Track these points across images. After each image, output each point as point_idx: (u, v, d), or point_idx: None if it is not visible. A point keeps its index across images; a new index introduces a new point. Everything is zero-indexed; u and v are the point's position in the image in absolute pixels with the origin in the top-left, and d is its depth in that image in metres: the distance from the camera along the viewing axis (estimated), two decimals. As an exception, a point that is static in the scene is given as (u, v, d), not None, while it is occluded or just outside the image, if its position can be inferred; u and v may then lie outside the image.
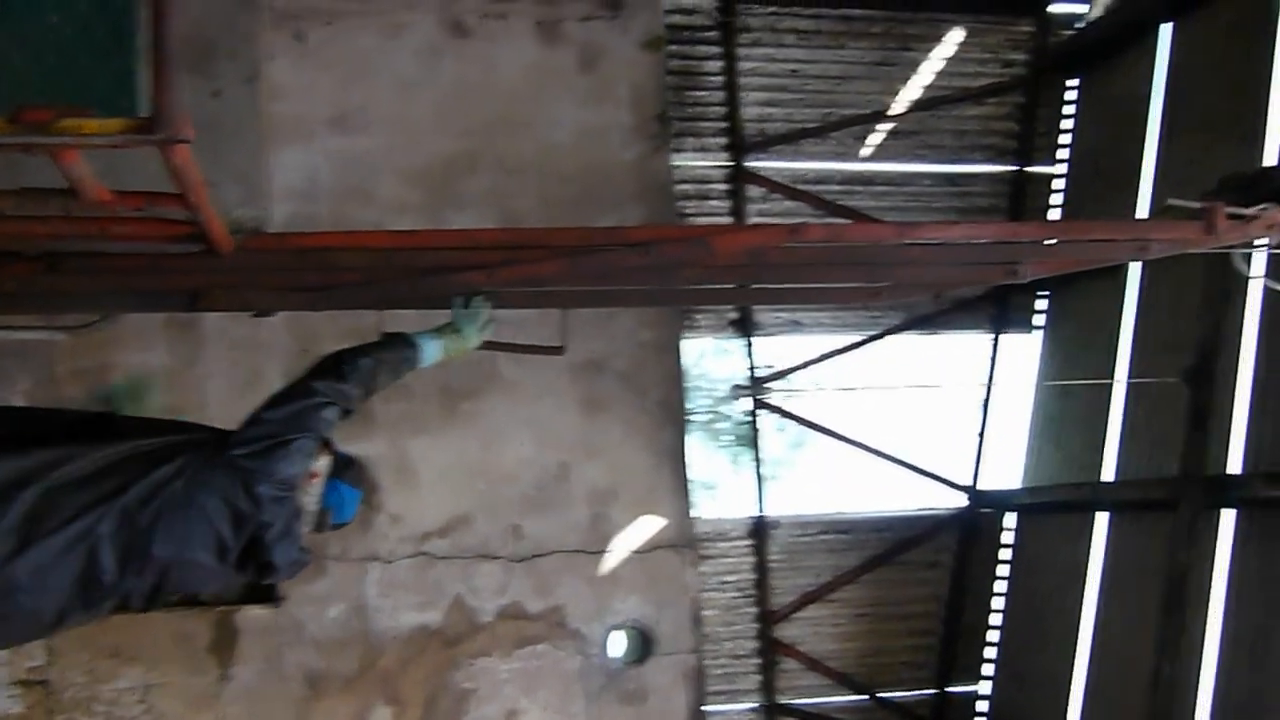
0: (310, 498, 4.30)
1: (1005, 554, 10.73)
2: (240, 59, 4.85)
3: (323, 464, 4.40)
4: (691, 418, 10.31)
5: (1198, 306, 8.46)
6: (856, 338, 10.68)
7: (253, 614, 8.79)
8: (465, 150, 9.38)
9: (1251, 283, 7.90)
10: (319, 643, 8.89)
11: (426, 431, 9.21)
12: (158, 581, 3.95)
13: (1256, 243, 5.40)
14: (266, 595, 8.76)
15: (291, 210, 8.81)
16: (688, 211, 10.33)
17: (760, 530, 10.45)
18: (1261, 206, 5.18)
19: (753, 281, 5.55)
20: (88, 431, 4.11)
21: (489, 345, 5.16)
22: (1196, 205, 5.28)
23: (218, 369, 8.75)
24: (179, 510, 3.91)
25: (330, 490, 4.42)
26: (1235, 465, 8.11)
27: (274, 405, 4.20)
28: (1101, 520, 9.44)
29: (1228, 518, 8.07)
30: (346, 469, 4.50)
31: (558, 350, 5.54)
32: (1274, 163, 8.22)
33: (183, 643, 8.63)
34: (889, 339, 10.72)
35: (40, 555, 3.67)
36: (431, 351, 4.78)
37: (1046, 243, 5.43)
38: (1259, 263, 6.05)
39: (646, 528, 9.74)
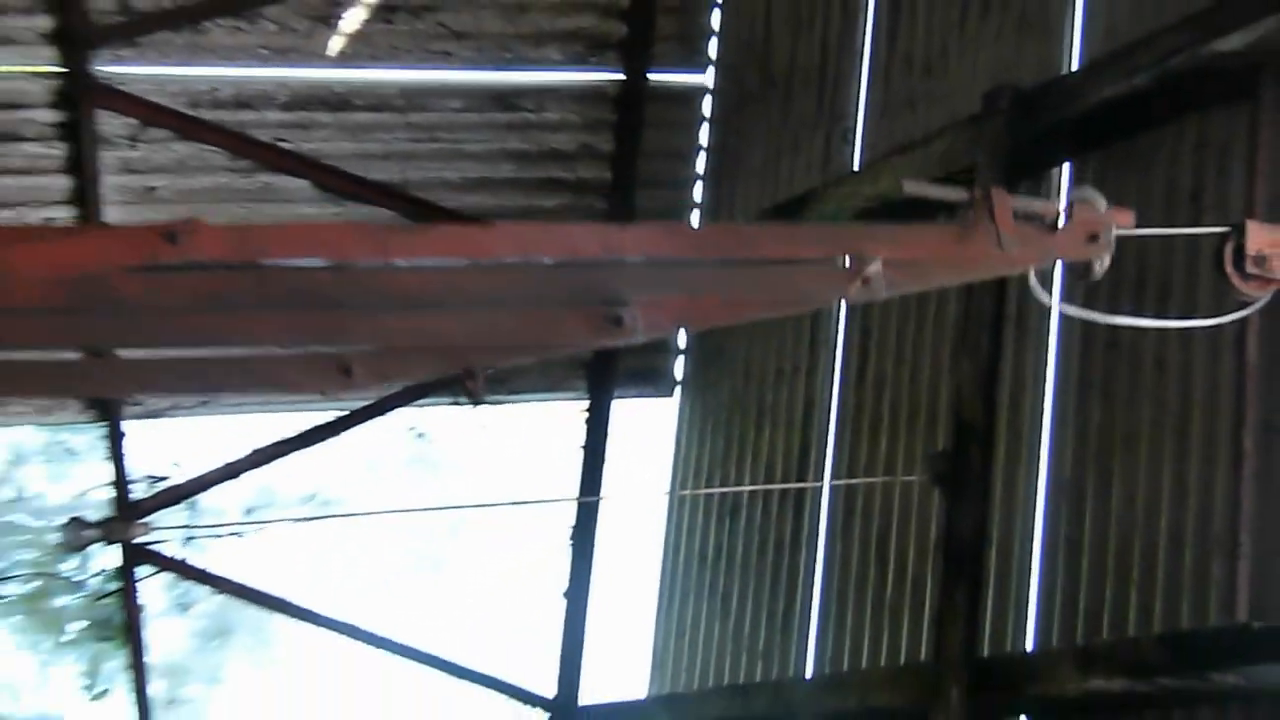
0: None
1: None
2: None
3: None
4: (-3, 590, 10.08)
5: (954, 339, 8.95)
6: (324, 416, 10.75)
7: None
8: None
9: (1050, 312, 8.52)
10: None
11: None
12: None
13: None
14: None
15: None
16: None
17: None
18: (1070, 195, 5.38)
19: (98, 339, 5.51)
20: None
21: None
22: (957, 195, 5.35)
23: None
24: None
25: None
26: (1028, 638, 8.57)
27: None
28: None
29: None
30: None
31: None
32: (1077, 67, 8.84)
33: None
34: (392, 414, 10.90)
35: None
36: None
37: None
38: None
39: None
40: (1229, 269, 5.82)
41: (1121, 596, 7.92)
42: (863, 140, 10.16)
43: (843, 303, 9.96)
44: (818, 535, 9.99)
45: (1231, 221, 5.76)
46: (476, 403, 6.07)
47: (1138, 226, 7.65)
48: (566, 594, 11.18)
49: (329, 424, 10.88)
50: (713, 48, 11.37)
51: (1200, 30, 7.71)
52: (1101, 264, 5.34)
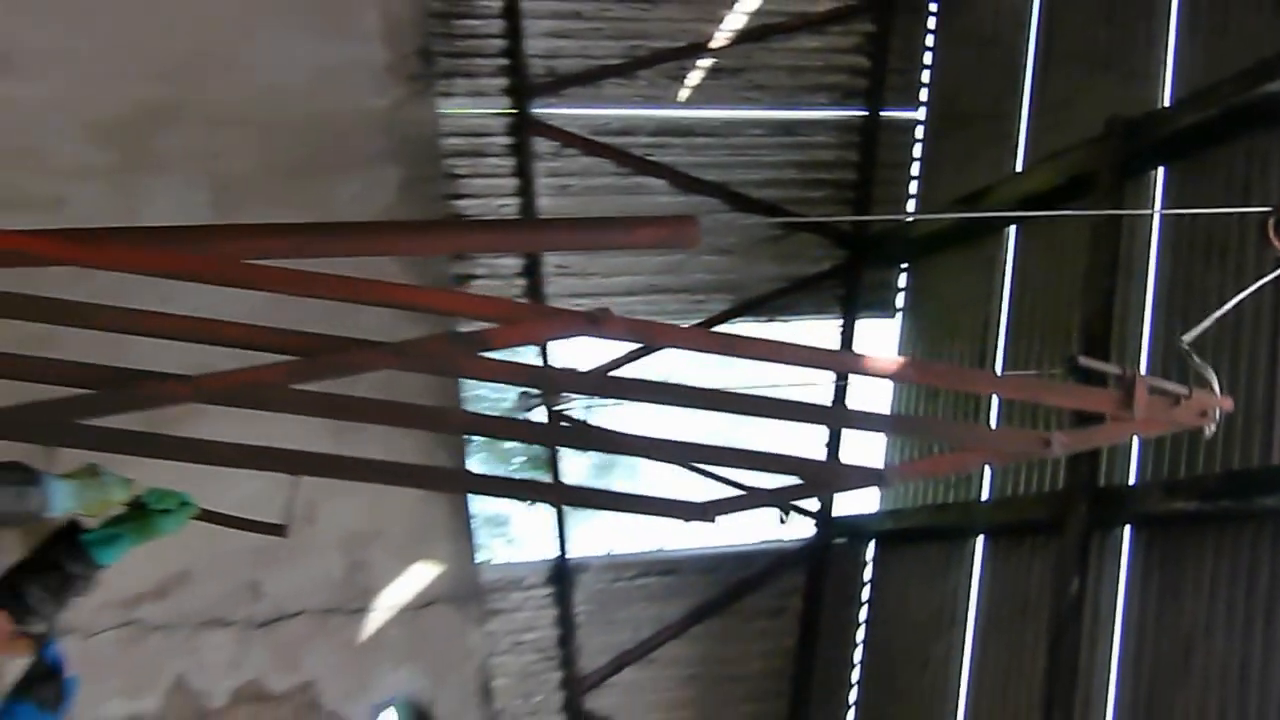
0: None
1: (865, 593, 11.02)
2: None
3: (15, 668, 4.36)
4: (472, 436, 10.14)
5: (1084, 280, 8.89)
6: (677, 325, 10.68)
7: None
8: (164, 97, 9.18)
9: (1149, 251, 8.66)
10: (-5, 746, 8.65)
11: (123, 461, 8.94)
12: None
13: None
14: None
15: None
16: (460, 172, 10.33)
17: (563, 576, 10.49)
18: (1195, 369, 5.38)
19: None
20: None
21: (204, 516, 5.22)
22: (1113, 370, 5.46)
23: None
24: None
25: (8, 713, 4.30)
26: (1131, 474, 8.52)
27: None
28: (978, 547, 9.86)
29: (1124, 538, 8.53)
30: (45, 681, 4.39)
31: (279, 530, 5.57)
32: (1169, 104, 8.71)
33: None
34: (718, 327, 10.71)
35: None
36: (61, 497, 4.38)
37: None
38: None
39: (418, 578, 9.74)
40: (1272, 235, 5.92)
41: (1194, 446, 7.93)
42: (1021, 151, 10.04)
43: (1009, 259, 10.10)
44: (991, 404, 9.87)
45: (1273, 204, 5.93)
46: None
47: (1207, 207, 7.80)
48: (826, 445, 11.25)
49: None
50: (923, 94, 11.27)
51: (1252, 79, 7.71)
52: (1209, 430, 5.23)
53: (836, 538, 11.09)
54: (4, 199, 8.56)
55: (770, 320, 11.15)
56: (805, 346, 5.48)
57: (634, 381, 5.18)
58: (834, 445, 11.33)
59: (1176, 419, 5.13)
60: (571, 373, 4.99)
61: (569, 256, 10.54)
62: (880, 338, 11.42)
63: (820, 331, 11.38)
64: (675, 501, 5.58)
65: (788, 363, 5.09)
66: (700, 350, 4.94)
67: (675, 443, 5.55)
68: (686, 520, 7.49)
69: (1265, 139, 7.87)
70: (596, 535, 11.28)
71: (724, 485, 10.86)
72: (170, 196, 9.04)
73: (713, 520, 5.71)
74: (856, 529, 11.05)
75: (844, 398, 11.05)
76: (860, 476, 5.62)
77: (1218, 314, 5.83)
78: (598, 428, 6.41)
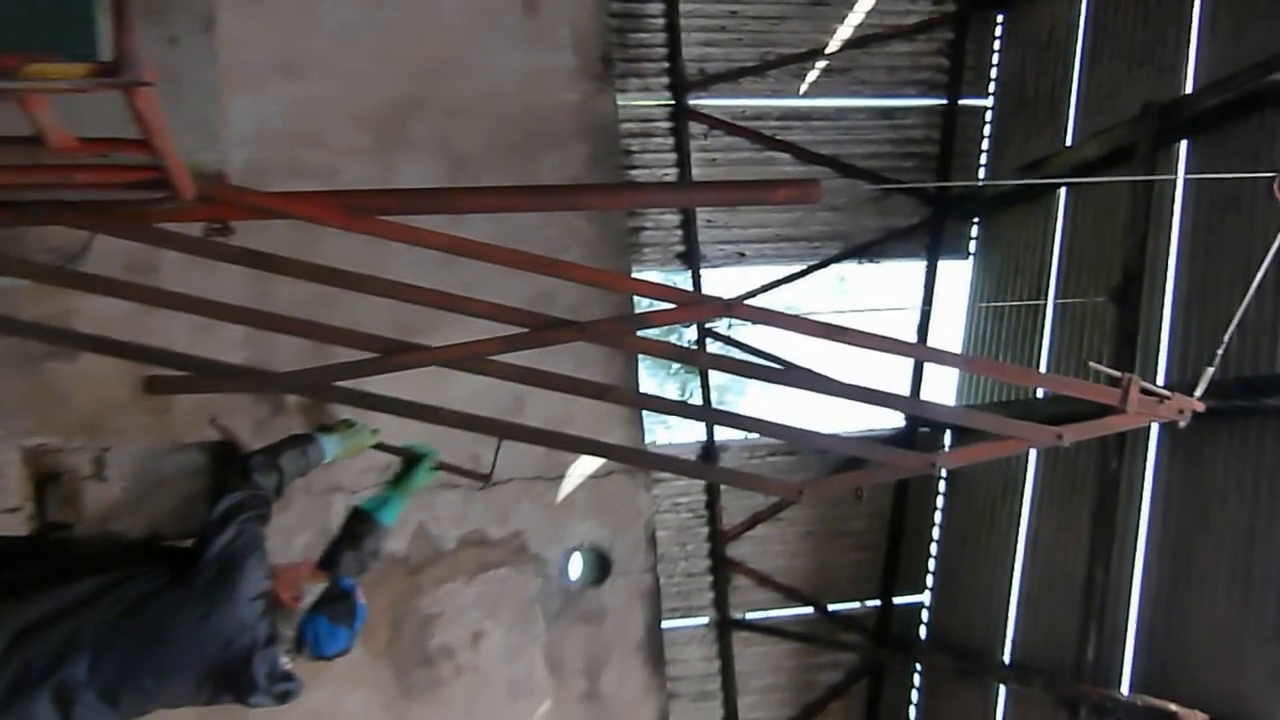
0: (288, 623, 4.27)
1: (943, 471, 10.80)
2: (195, 6, 4.73)
3: (313, 589, 4.39)
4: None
5: (1122, 229, 8.65)
6: (798, 267, 10.70)
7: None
8: (411, 94, 9.24)
9: (1175, 207, 8.44)
10: (286, 573, 8.92)
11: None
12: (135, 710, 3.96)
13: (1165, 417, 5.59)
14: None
15: (245, 157, 8.59)
16: (632, 149, 10.25)
17: (710, 454, 10.45)
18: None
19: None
20: (44, 564, 4.03)
21: (436, 465, 5.46)
22: (1115, 373, 5.40)
23: (177, 314, 8.62)
24: (148, 652, 3.88)
25: (309, 622, 4.37)
26: (1160, 379, 8.33)
27: (210, 524, 4.19)
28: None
29: (1154, 427, 8.25)
30: (337, 600, 4.42)
31: (484, 478, 5.90)
32: (1190, 91, 8.48)
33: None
34: (829, 268, 10.77)
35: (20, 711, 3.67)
36: (329, 447, 4.81)
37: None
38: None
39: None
40: (1276, 193, 5.75)
41: (1211, 357, 7.56)
42: (1072, 129, 9.74)
43: (1061, 215, 9.75)
44: (1046, 327, 9.75)
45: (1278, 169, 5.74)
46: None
47: (1226, 173, 7.49)
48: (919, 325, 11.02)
49: (802, 270, 10.76)
50: (992, 86, 10.97)
51: (1264, 69, 7.48)
52: (1184, 422, 5.52)
53: (921, 427, 10.89)
54: (295, 170, 8.75)
55: (870, 262, 10.97)
56: (890, 338, 5.53)
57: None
58: (917, 380, 11.12)
59: (1159, 414, 5.42)
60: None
61: (716, 213, 10.51)
62: (956, 279, 11.26)
63: (909, 271, 11.24)
64: (773, 480, 5.67)
65: (875, 349, 5.06)
66: (805, 334, 5.08)
67: (798, 369, 5.49)
68: (782, 497, 7.34)
69: (1274, 118, 7.63)
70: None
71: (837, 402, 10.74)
72: (416, 170, 9.12)
73: (801, 497, 5.79)
74: (937, 421, 10.78)
75: (925, 336, 10.92)
76: (919, 462, 5.80)
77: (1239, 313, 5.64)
78: (730, 359, 6.42)
